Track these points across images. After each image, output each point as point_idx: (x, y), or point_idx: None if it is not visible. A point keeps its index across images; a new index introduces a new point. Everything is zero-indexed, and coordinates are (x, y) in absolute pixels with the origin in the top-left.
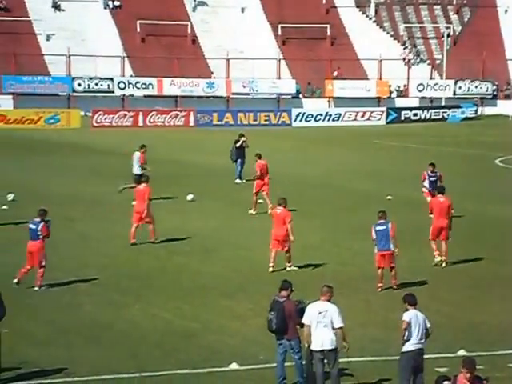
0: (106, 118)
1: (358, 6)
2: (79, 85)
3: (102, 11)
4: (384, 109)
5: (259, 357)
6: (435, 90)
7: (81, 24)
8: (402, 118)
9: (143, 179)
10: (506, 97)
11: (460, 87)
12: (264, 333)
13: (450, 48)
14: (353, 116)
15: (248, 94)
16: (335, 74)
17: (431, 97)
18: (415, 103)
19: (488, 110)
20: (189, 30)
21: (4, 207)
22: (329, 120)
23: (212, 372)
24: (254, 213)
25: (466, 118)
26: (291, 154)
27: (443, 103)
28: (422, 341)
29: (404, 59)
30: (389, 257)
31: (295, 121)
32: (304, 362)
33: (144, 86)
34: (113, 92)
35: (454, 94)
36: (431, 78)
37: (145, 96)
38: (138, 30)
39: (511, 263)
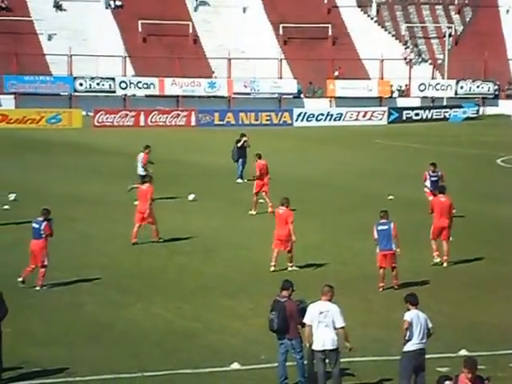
0: (107, 118)
1: (359, 6)
2: (81, 84)
3: (104, 11)
4: (385, 109)
5: (261, 356)
6: (437, 89)
7: (82, 24)
8: (404, 118)
9: (146, 179)
10: (508, 97)
11: (462, 87)
12: (265, 332)
13: (451, 48)
14: (354, 116)
15: (249, 93)
16: (336, 73)
17: (433, 96)
18: (417, 103)
19: (490, 110)
20: (190, 30)
21: (5, 207)
22: (330, 120)
23: (213, 372)
24: (254, 213)
25: (468, 118)
26: (292, 154)
27: (445, 103)
28: (424, 341)
29: (405, 59)
30: (390, 257)
31: (297, 121)
32: (305, 362)
33: (145, 86)
34: (114, 92)
35: (456, 93)
36: (433, 78)
37: (146, 96)
38: (140, 29)
39: None
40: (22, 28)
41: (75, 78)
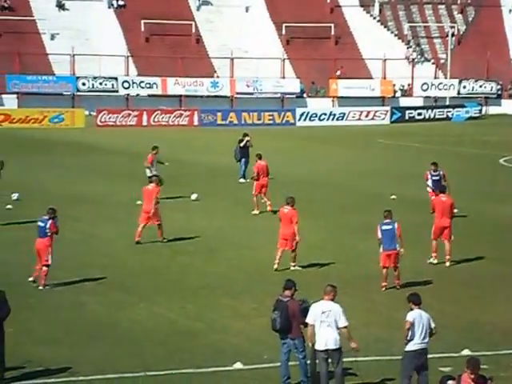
0: (110, 118)
1: (362, 6)
2: (83, 84)
3: (106, 10)
4: (388, 108)
5: (263, 356)
6: (439, 89)
7: (85, 23)
8: (406, 118)
9: (152, 179)
10: (511, 96)
11: (464, 87)
12: (268, 332)
13: (454, 47)
14: (357, 115)
15: (252, 93)
16: (338, 73)
17: (435, 96)
18: (419, 102)
19: (492, 110)
20: (193, 30)
21: (8, 206)
22: (333, 119)
23: (216, 371)
24: (257, 212)
25: (471, 118)
26: (295, 154)
27: (447, 103)
28: (426, 340)
29: (408, 58)
30: (394, 256)
31: (299, 120)
32: (308, 362)
33: (148, 86)
34: (117, 91)
35: (459, 93)
36: (435, 78)
37: (149, 95)
38: (142, 29)
39: None
40: (25, 28)
41: (78, 77)
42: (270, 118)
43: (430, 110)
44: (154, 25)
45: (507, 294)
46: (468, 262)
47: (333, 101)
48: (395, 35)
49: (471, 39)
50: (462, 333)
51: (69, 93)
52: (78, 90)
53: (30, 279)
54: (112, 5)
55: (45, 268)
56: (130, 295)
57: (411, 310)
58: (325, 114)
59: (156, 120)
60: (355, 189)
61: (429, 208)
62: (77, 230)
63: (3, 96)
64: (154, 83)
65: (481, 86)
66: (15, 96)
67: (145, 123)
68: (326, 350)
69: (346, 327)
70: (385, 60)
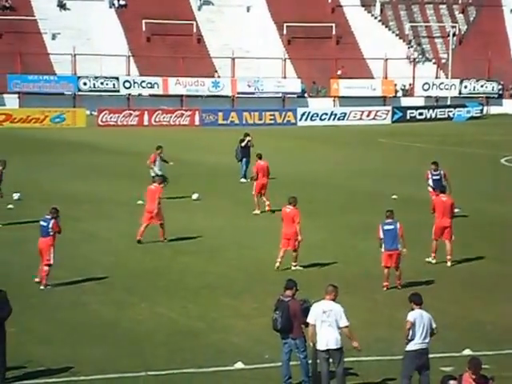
0: (111, 118)
1: (363, 5)
2: (85, 84)
3: (108, 10)
4: (389, 108)
5: (264, 356)
6: (441, 89)
7: (86, 23)
8: (408, 117)
9: (155, 179)
10: None
11: (465, 86)
12: (269, 332)
13: (455, 47)
14: (358, 115)
15: (253, 93)
16: (339, 72)
17: (437, 96)
18: (421, 102)
19: (493, 110)
20: (194, 29)
21: (9, 206)
22: (334, 119)
23: (217, 371)
24: (258, 212)
25: (472, 118)
26: (296, 154)
27: (449, 102)
28: (426, 340)
29: (409, 58)
30: (396, 257)
31: (300, 120)
32: (309, 362)
33: (149, 86)
34: (118, 91)
35: (460, 93)
36: (437, 77)
37: (150, 95)
38: (144, 29)
39: None
40: (26, 27)
41: (79, 77)
42: (271, 117)
43: (431, 110)
44: (156, 25)
45: (509, 293)
46: (469, 261)
47: (334, 101)
48: (396, 35)
49: (472, 39)
50: (463, 332)
51: (70, 92)
52: (80, 90)
53: (36, 280)
54: (113, 4)
55: (46, 268)
56: (131, 295)
57: (412, 309)
58: (326, 114)
59: (157, 120)
60: (356, 188)
61: (429, 208)
62: (77, 230)
63: (4, 96)
64: (155, 83)
65: (482, 86)
66: (16, 96)
67: (146, 123)
68: (327, 350)
69: (347, 327)
70: (386, 60)
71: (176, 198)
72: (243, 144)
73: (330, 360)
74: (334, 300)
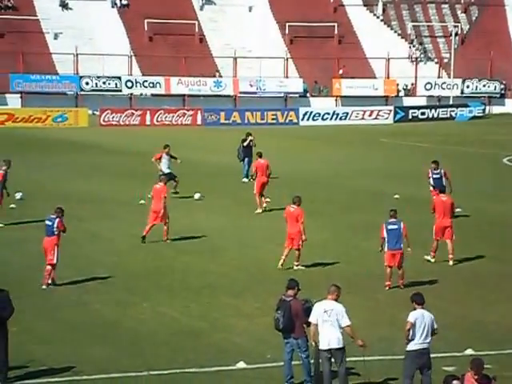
0: (113, 117)
1: (365, 5)
2: (87, 83)
3: (110, 10)
4: (391, 107)
5: (266, 355)
6: (443, 88)
7: (88, 23)
8: (410, 117)
9: (160, 178)
10: None
11: (468, 86)
12: (271, 332)
13: (457, 47)
14: (360, 115)
15: (255, 92)
16: (340, 72)
17: (439, 95)
18: (423, 102)
19: (496, 109)
20: (196, 29)
21: (12, 205)
22: (336, 119)
23: (219, 371)
24: (260, 211)
25: (474, 117)
26: (298, 153)
27: (451, 102)
28: (427, 340)
29: (411, 58)
30: (399, 256)
31: (302, 120)
32: (311, 361)
33: (151, 85)
34: (120, 91)
35: (462, 92)
36: (439, 77)
37: (152, 95)
38: (146, 28)
39: None
40: (28, 27)
41: (81, 76)
42: (273, 117)
43: (433, 110)
44: (158, 24)
45: (511, 293)
46: (471, 261)
47: (336, 100)
48: (398, 34)
49: (475, 39)
50: (465, 332)
51: (72, 92)
52: (82, 90)
53: (49, 281)
54: (115, 4)
55: (48, 267)
56: (133, 295)
57: (414, 309)
58: (328, 114)
59: (159, 119)
60: (358, 188)
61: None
62: (80, 230)
63: (7, 95)
64: (158, 83)
65: (484, 86)
66: (19, 95)
67: (148, 123)
68: (329, 350)
69: (349, 326)
70: (388, 59)
71: (178, 198)
72: (245, 144)
73: (332, 360)
74: (336, 300)
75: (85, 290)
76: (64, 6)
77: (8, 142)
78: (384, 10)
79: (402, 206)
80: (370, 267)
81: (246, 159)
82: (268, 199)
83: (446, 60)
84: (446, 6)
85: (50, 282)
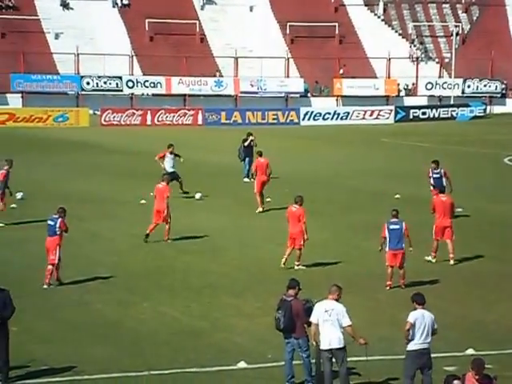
0: (114, 117)
1: (366, 5)
2: (88, 83)
3: (111, 10)
4: (392, 107)
5: (267, 355)
6: (444, 88)
7: (89, 22)
8: (411, 117)
9: (163, 177)
10: None
11: (469, 86)
12: (272, 331)
13: (458, 46)
14: (361, 115)
15: (256, 92)
16: (341, 71)
17: (440, 95)
18: (424, 102)
19: (497, 109)
20: (197, 29)
21: (13, 205)
22: (337, 119)
23: (220, 370)
24: (261, 209)
25: (475, 117)
26: (299, 153)
27: (452, 102)
28: (428, 340)
29: (412, 57)
30: (401, 256)
31: (303, 119)
32: (312, 361)
33: (152, 85)
34: (121, 91)
35: (463, 92)
36: (440, 77)
37: (153, 95)
38: (147, 28)
39: None
40: (29, 27)
41: (82, 76)
42: (274, 117)
43: (434, 110)
44: (159, 24)
45: (511, 293)
46: (472, 261)
47: (337, 100)
48: (399, 34)
49: (476, 38)
50: (466, 332)
51: (73, 92)
52: (83, 89)
53: (46, 280)
54: (116, 4)
55: (49, 267)
56: (133, 294)
57: (415, 309)
58: (329, 114)
59: (160, 119)
60: (359, 188)
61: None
62: (80, 230)
63: (8, 95)
64: (158, 82)
65: (485, 85)
66: (19, 95)
67: (149, 122)
68: (330, 350)
69: (349, 326)
70: (389, 59)
71: (179, 198)
72: (246, 143)
73: (333, 359)
74: (337, 300)
75: (85, 289)
76: (65, 5)
77: (9, 141)
78: (385, 10)
79: (403, 206)
80: (370, 267)
81: (247, 159)
82: (269, 199)
83: (446, 60)
84: (447, 5)
85: (51, 281)
